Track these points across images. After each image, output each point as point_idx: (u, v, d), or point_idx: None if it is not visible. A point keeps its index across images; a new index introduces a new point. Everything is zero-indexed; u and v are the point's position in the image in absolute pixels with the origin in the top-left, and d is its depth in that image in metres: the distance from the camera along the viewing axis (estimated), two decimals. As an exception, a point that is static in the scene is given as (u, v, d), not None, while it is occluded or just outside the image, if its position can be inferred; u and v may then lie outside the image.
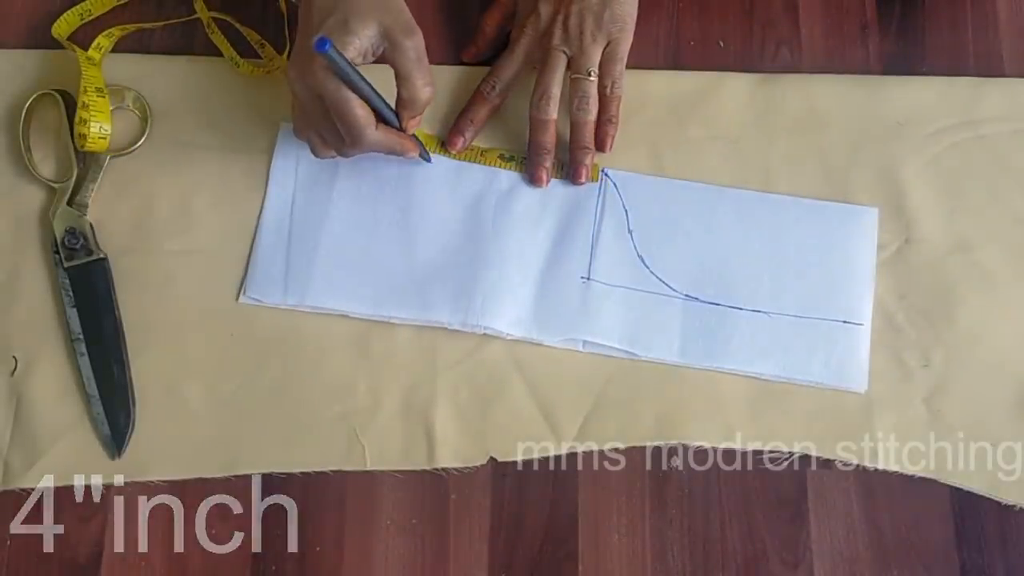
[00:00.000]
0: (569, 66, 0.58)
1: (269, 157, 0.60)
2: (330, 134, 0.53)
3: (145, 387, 0.56)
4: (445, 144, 0.60)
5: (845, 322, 0.57)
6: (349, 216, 0.59)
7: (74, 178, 0.59)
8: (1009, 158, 0.61)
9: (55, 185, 0.59)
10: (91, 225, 0.58)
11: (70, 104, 0.60)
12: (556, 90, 0.58)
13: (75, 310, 0.56)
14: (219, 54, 0.62)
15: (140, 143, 0.60)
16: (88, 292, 0.57)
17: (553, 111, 0.58)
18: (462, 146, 0.60)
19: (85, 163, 0.59)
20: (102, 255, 0.58)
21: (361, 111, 0.51)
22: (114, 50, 0.62)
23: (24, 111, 0.59)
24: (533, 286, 0.58)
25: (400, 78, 0.52)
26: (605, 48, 0.58)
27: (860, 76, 0.63)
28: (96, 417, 0.55)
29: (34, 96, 0.60)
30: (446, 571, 0.54)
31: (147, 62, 0.62)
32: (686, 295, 0.58)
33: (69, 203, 0.58)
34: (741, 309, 0.58)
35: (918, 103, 0.62)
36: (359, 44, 0.50)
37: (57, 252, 0.57)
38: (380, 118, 0.53)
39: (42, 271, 0.58)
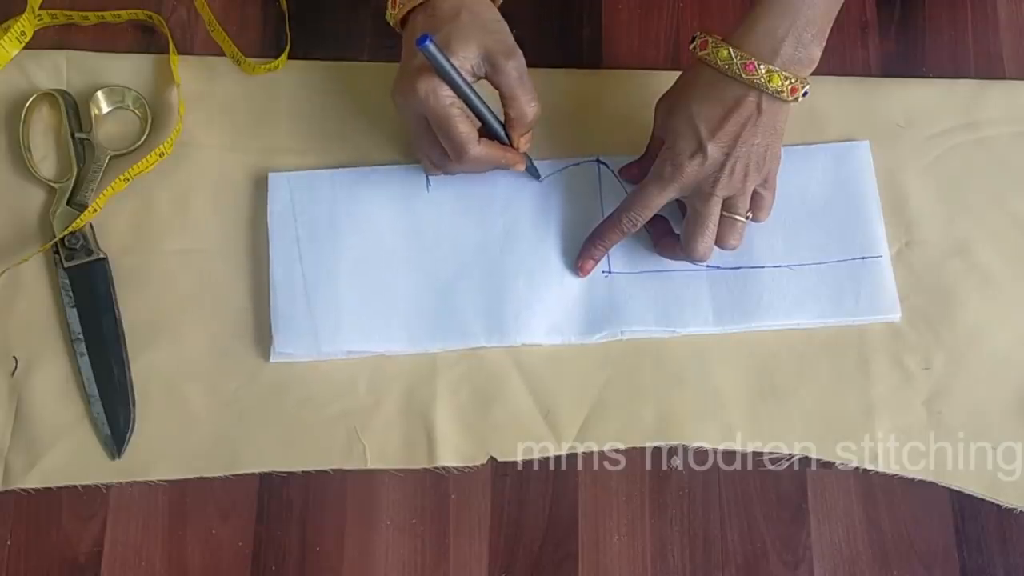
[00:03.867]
0: (723, 205, 0.54)
1: (270, 156, 0.60)
2: (435, 152, 0.54)
3: (145, 387, 0.56)
4: (576, 269, 0.58)
5: (864, 258, 0.58)
6: (360, 255, 0.58)
7: (74, 178, 0.59)
8: (1010, 160, 0.61)
9: (55, 185, 0.59)
10: (91, 225, 0.58)
11: (70, 104, 0.60)
12: (714, 239, 0.54)
13: (75, 310, 0.56)
14: (220, 53, 0.62)
15: (140, 143, 0.60)
16: (88, 292, 0.57)
17: (710, 254, 0.55)
18: (592, 269, 0.58)
19: (85, 163, 0.59)
20: (102, 255, 0.57)
21: (464, 127, 0.52)
22: (116, 50, 0.62)
23: (24, 111, 0.59)
24: (559, 291, 0.58)
25: (504, 98, 0.53)
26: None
27: (860, 78, 0.63)
28: (96, 417, 0.55)
29: (34, 96, 0.60)
30: (446, 571, 0.54)
31: (147, 62, 0.62)
32: (707, 265, 0.58)
33: (69, 203, 0.58)
34: (763, 267, 0.58)
35: (919, 105, 0.62)
36: (459, 65, 0.51)
37: (57, 252, 0.57)
38: (486, 132, 0.54)
39: (42, 271, 0.58)
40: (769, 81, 0.50)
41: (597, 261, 0.58)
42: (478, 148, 0.53)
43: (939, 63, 0.64)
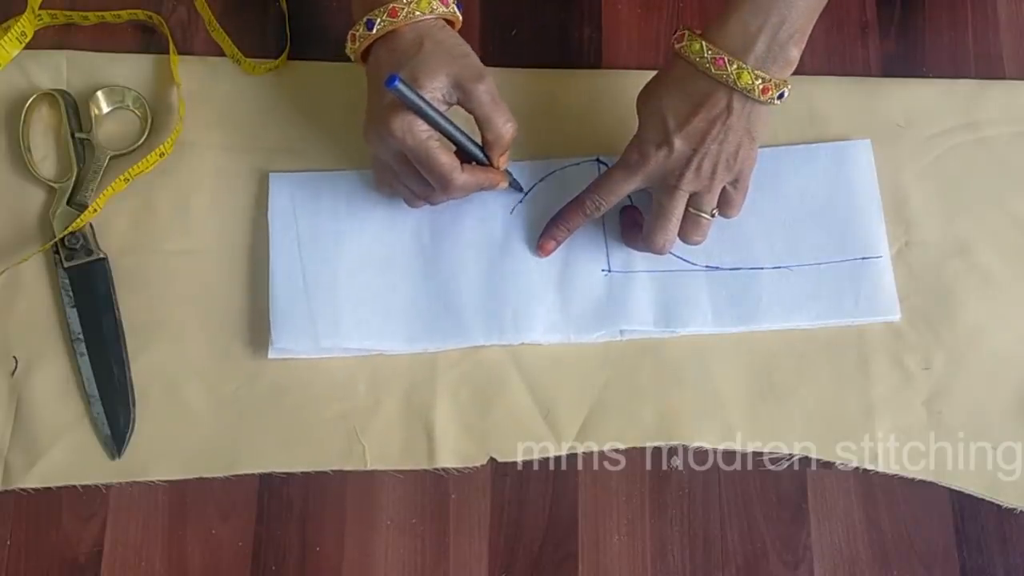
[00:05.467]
0: (689, 201, 0.54)
1: (270, 156, 0.60)
2: (419, 185, 0.54)
3: (145, 387, 0.56)
4: (537, 249, 0.58)
5: (864, 258, 0.58)
6: (361, 255, 0.58)
7: (74, 178, 0.59)
8: (1009, 160, 0.61)
9: (55, 185, 0.59)
10: (91, 225, 0.58)
11: (70, 104, 0.60)
12: (675, 234, 0.54)
13: (75, 310, 0.56)
14: (220, 53, 0.62)
15: (140, 143, 0.60)
16: (88, 292, 0.57)
17: (668, 247, 0.55)
18: (553, 250, 0.58)
19: (85, 163, 0.59)
20: (102, 255, 0.57)
21: (445, 158, 0.51)
22: (116, 50, 0.62)
23: (24, 111, 0.59)
24: (559, 290, 0.58)
25: (480, 122, 0.53)
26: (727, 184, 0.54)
27: (860, 78, 0.63)
28: (96, 417, 0.55)
29: (34, 96, 0.60)
30: (446, 571, 0.54)
31: (147, 62, 0.62)
32: (706, 266, 0.58)
33: (69, 203, 0.58)
34: (762, 268, 0.58)
35: (919, 105, 0.62)
36: (429, 97, 0.50)
37: (57, 252, 0.57)
38: (464, 155, 0.53)
39: (42, 271, 0.58)
40: (738, 78, 0.50)
41: (559, 243, 0.58)
42: (463, 176, 0.52)
43: (939, 63, 0.64)
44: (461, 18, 0.55)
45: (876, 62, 0.64)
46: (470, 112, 0.52)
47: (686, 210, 0.54)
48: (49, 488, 0.54)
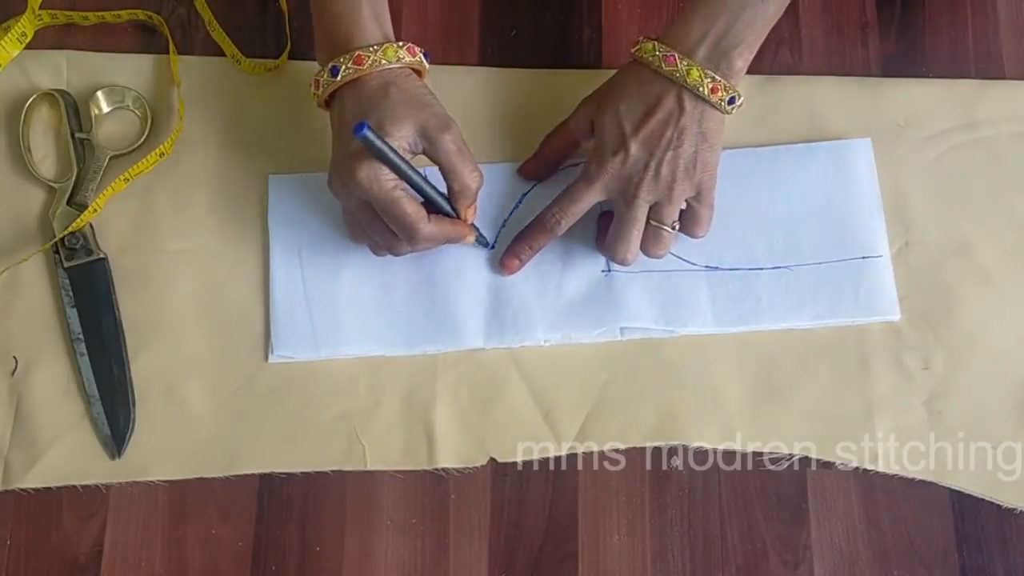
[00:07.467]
0: (649, 213, 0.54)
1: (270, 156, 0.60)
2: (383, 236, 0.53)
3: (145, 387, 0.56)
4: (500, 267, 0.57)
5: (864, 258, 0.58)
6: (361, 259, 0.57)
7: (74, 178, 0.59)
8: (1009, 160, 0.61)
9: (55, 185, 0.59)
10: (91, 225, 0.58)
11: (70, 104, 0.60)
12: (637, 245, 0.54)
13: (75, 310, 0.56)
14: (220, 53, 0.62)
15: (140, 143, 0.60)
16: (88, 292, 0.57)
17: (630, 259, 0.55)
18: (517, 269, 0.57)
19: (85, 163, 0.59)
20: (102, 255, 0.58)
21: (411, 208, 0.51)
22: (116, 50, 0.62)
23: (24, 111, 0.59)
24: (558, 291, 0.58)
25: (445, 172, 0.52)
26: (689, 197, 0.54)
27: (861, 78, 0.63)
28: (96, 417, 0.55)
29: (34, 96, 0.60)
30: (446, 571, 0.54)
31: (147, 62, 0.62)
32: (706, 266, 0.58)
33: (69, 203, 0.58)
34: (762, 269, 0.58)
35: (919, 105, 0.62)
36: (396, 145, 0.50)
37: (57, 252, 0.57)
38: (431, 206, 0.53)
39: (42, 271, 0.58)
40: (688, 75, 0.51)
41: (523, 262, 0.57)
42: (429, 226, 0.51)
43: (939, 63, 0.64)
44: (428, 67, 0.54)
45: (876, 62, 0.64)
46: (435, 162, 0.52)
47: (648, 222, 0.54)
48: (49, 488, 0.54)
